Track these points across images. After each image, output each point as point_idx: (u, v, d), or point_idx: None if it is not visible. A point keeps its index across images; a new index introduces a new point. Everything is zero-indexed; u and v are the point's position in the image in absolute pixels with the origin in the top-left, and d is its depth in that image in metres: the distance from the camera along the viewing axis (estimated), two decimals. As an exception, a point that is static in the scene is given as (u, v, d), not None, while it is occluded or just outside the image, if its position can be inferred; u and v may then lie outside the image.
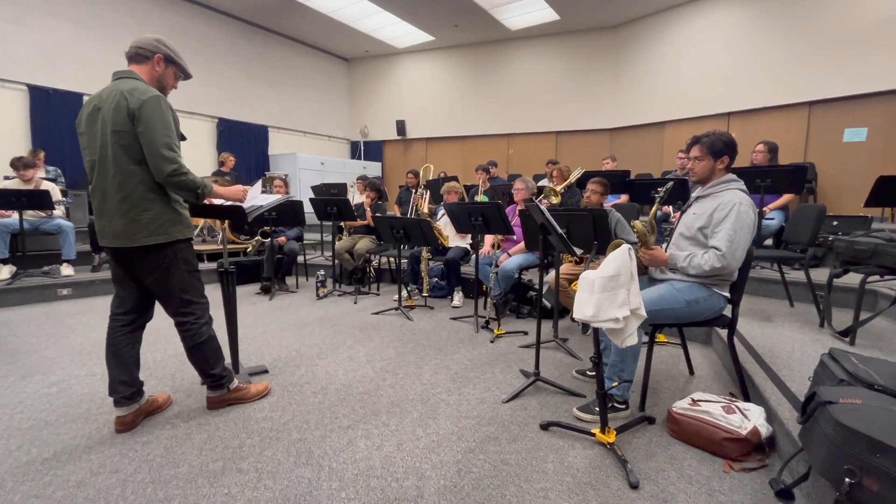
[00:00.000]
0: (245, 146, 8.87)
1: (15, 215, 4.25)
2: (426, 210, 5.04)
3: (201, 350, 2.01)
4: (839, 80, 5.99)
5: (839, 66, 5.98)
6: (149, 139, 1.75)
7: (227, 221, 4.71)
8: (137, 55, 1.87)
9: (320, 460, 1.72)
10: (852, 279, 2.67)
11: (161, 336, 3.12)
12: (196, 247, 5.58)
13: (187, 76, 2.02)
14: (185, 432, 1.93)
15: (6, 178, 5.08)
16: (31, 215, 4.45)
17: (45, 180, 4.79)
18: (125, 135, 1.76)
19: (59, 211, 4.61)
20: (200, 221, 6.26)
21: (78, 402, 2.19)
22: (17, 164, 4.44)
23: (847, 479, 1.10)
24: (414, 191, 5.87)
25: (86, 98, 1.92)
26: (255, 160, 9.09)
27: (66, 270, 4.52)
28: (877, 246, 2.34)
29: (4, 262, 4.30)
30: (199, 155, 7.99)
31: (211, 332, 2.05)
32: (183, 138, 1.90)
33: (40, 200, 4.28)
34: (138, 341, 2.02)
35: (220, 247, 2.44)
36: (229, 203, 2.17)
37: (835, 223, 4.52)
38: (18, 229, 4.24)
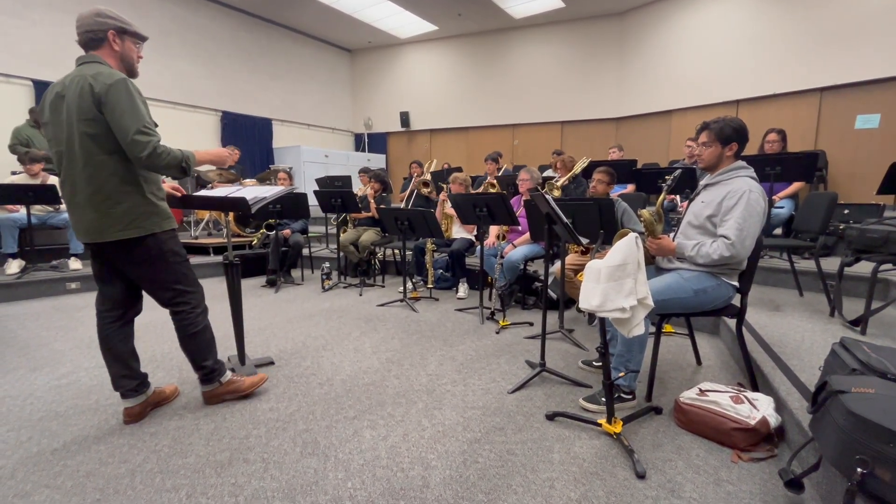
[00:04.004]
0: (249, 139, 8.86)
1: (23, 210, 4.28)
2: (426, 191, 5.04)
3: (196, 339, 1.97)
4: (851, 66, 5.85)
5: (851, 51, 5.84)
6: (121, 127, 1.63)
7: (231, 214, 4.71)
8: (91, 41, 1.74)
9: (326, 451, 1.73)
10: (864, 268, 2.63)
11: (167, 328, 3.12)
12: (201, 240, 5.68)
13: (143, 38, 1.85)
14: (193, 423, 1.94)
15: (13, 173, 5.11)
16: (38, 210, 4.49)
17: (51, 175, 4.82)
18: (93, 123, 1.65)
19: (65, 205, 4.64)
20: (206, 214, 6.28)
21: (87, 394, 2.22)
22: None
23: (859, 469, 1.08)
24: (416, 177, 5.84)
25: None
26: (259, 153, 9.08)
27: (75, 264, 4.56)
28: (889, 234, 2.29)
29: (13, 256, 4.34)
30: (203, 149, 7.99)
31: (206, 321, 2.00)
32: (154, 125, 1.77)
33: (47, 195, 4.31)
34: (130, 335, 1.97)
35: (226, 240, 2.43)
36: (234, 196, 2.17)
37: (846, 211, 4.45)
38: (26, 224, 4.28)
